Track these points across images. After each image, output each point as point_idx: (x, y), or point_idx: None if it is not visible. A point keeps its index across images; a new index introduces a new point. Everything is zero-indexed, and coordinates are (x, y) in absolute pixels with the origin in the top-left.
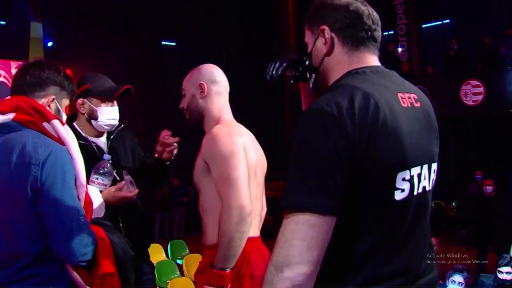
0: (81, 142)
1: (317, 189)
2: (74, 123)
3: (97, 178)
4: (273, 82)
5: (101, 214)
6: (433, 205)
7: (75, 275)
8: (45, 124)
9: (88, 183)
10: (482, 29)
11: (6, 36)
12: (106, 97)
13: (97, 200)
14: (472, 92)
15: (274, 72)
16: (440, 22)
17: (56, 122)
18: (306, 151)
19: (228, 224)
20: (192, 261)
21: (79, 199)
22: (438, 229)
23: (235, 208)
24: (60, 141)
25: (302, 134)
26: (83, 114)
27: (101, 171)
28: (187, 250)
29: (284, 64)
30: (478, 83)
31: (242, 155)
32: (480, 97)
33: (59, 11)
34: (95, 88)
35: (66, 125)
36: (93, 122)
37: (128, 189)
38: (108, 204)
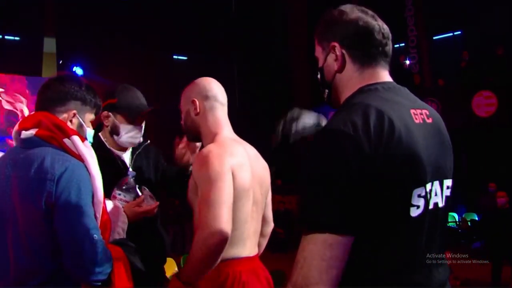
0: (105, 154)
1: (335, 209)
2: (100, 134)
3: (119, 194)
4: (292, 140)
5: (124, 229)
6: None
7: None
8: (65, 140)
9: (110, 198)
10: (493, 40)
11: (19, 51)
12: (130, 117)
13: (119, 216)
14: (485, 103)
15: (294, 132)
16: (451, 34)
17: (75, 138)
18: (323, 171)
19: (201, 246)
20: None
21: (95, 216)
22: (452, 242)
23: (211, 232)
24: (80, 157)
25: (318, 154)
26: (107, 126)
27: (124, 187)
28: None
29: (306, 128)
30: (490, 94)
31: (229, 178)
32: (492, 108)
33: (73, 27)
34: (121, 104)
35: (86, 141)
36: (114, 137)
37: (148, 203)
38: (128, 220)
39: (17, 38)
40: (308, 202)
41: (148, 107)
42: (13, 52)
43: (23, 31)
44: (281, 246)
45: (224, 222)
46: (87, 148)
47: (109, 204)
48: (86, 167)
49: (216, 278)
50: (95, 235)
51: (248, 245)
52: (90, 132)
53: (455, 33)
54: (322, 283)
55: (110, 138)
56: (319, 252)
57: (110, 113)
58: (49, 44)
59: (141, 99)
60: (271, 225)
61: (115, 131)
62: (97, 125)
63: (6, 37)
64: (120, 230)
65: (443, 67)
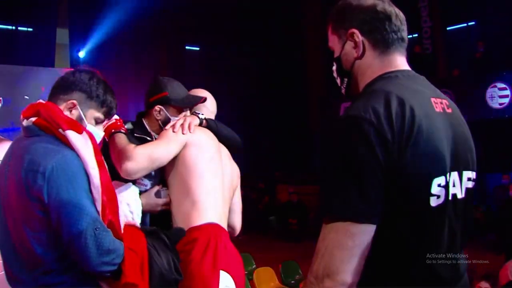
0: (147, 137)
1: (358, 198)
2: (144, 120)
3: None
4: None
5: (134, 212)
6: None
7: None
8: (60, 130)
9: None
10: (508, 31)
11: (32, 42)
12: (184, 108)
13: (135, 201)
14: (499, 95)
15: None
16: (466, 24)
17: (69, 133)
18: (346, 160)
19: None
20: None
21: (95, 198)
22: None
23: None
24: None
25: (340, 142)
26: (158, 120)
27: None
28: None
29: None
30: (505, 86)
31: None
32: (506, 100)
33: (85, 18)
34: (173, 97)
35: (84, 133)
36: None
37: (154, 198)
38: (143, 208)
39: (30, 29)
40: (329, 191)
41: (200, 98)
42: (26, 43)
43: (36, 22)
44: (294, 236)
45: None
46: (82, 138)
47: (130, 189)
48: (80, 156)
49: (198, 239)
50: (96, 228)
51: (222, 218)
52: (96, 131)
53: (470, 23)
54: (344, 273)
55: (157, 128)
56: (341, 241)
57: (162, 107)
58: (62, 35)
59: (185, 89)
60: (238, 217)
61: (166, 123)
62: (140, 112)
63: (19, 28)
64: (127, 211)
65: (457, 58)
